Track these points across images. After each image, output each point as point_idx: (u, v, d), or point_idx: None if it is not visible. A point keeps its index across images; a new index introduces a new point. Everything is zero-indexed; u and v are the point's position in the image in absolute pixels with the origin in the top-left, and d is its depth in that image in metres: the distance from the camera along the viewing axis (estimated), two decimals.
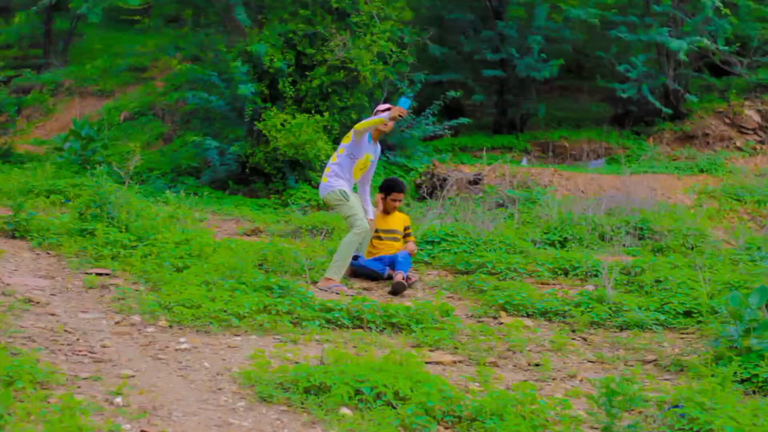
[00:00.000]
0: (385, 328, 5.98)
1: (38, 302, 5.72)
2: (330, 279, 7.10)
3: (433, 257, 8.51)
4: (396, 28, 13.84)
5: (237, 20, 13.16)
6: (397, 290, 7.20)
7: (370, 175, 7.66)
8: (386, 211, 8.04)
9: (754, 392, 4.88)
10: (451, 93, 14.53)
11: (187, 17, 14.82)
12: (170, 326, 5.50)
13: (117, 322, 5.51)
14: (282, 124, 12.49)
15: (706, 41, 14.69)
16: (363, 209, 7.48)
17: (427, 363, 5.23)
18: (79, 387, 4.21)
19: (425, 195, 12.29)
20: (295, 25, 13.17)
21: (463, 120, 15.22)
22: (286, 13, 13.43)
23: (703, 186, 13.58)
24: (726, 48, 15.23)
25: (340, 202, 7.34)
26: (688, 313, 6.64)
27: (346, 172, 7.41)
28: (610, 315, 6.62)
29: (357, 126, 7.33)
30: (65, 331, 5.17)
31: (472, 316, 6.70)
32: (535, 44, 15.19)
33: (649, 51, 15.96)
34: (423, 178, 13.59)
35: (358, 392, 4.24)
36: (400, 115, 7.20)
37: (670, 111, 15.61)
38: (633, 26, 15.52)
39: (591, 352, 5.91)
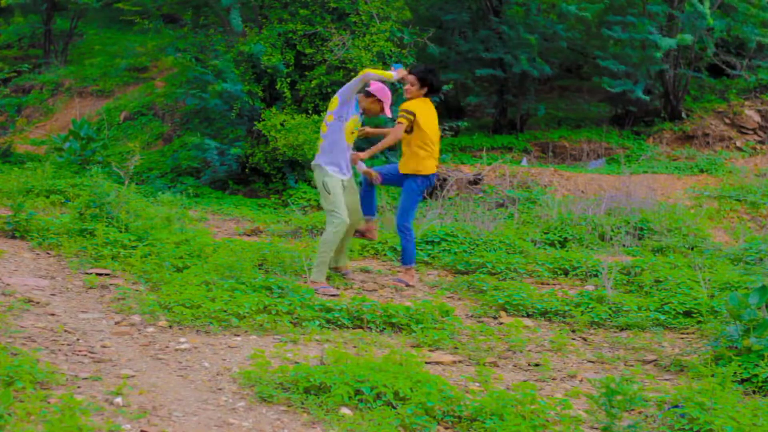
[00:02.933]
0: (385, 328, 5.98)
1: (38, 302, 5.73)
2: (315, 282, 6.97)
3: (433, 257, 8.51)
4: (395, 28, 13.84)
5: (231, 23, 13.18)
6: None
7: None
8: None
9: (754, 392, 4.88)
10: (445, 87, 14.56)
11: (186, 18, 14.80)
12: (170, 326, 5.51)
13: (117, 322, 5.51)
14: (281, 124, 12.49)
15: (689, 38, 14.65)
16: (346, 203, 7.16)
17: (427, 363, 5.23)
18: (79, 387, 4.21)
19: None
20: (294, 25, 13.17)
21: (461, 123, 15.25)
22: (286, 13, 13.43)
23: (703, 186, 13.58)
24: (709, 51, 15.20)
25: (322, 193, 7.13)
26: (688, 313, 6.64)
27: (340, 143, 7.07)
28: (610, 315, 6.63)
29: (366, 70, 7.08)
30: (65, 331, 5.17)
31: (472, 316, 6.70)
32: (532, 39, 15.20)
33: (647, 50, 15.94)
34: None
35: (358, 392, 4.24)
36: (403, 78, 7.21)
37: (657, 105, 15.58)
38: (631, 25, 15.52)
39: (591, 352, 5.91)
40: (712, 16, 14.93)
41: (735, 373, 4.75)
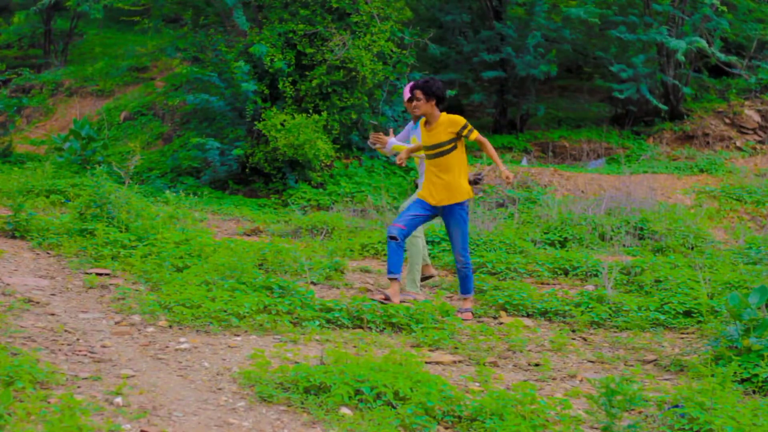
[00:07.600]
0: (385, 328, 5.98)
1: (38, 302, 5.72)
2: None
3: (433, 257, 8.51)
4: (396, 29, 13.84)
5: (236, 22, 13.20)
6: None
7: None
8: (426, 123, 6.66)
9: (754, 392, 4.88)
10: (449, 92, 14.52)
11: (187, 18, 14.80)
12: (170, 326, 5.50)
13: (117, 322, 5.51)
14: (282, 124, 12.49)
15: (703, 43, 14.67)
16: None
17: (427, 363, 5.23)
18: (79, 387, 4.21)
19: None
20: (294, 25, 13.18)
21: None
22: (286, 13, 13.43)
23: (703, 186, 13.58)
24: (722, 55, 15.22)
25: None
26: (688, 313, 6.64)
27: (419, 167, 7.24)
28: (610, 315, 6.63)
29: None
30: (65, 331, 5.17)
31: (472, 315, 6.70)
32: (531, 39, 15.19)
33: (649, 51, 15.95)
34: None
35: (358, 392, 4.24)
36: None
37: (665, 107, 15.57)
38: (633, 26, 15.52)
39: (591, 352, 5.91)
40: (713, 13, 14.97)
41: (735, 373, 4.74)
